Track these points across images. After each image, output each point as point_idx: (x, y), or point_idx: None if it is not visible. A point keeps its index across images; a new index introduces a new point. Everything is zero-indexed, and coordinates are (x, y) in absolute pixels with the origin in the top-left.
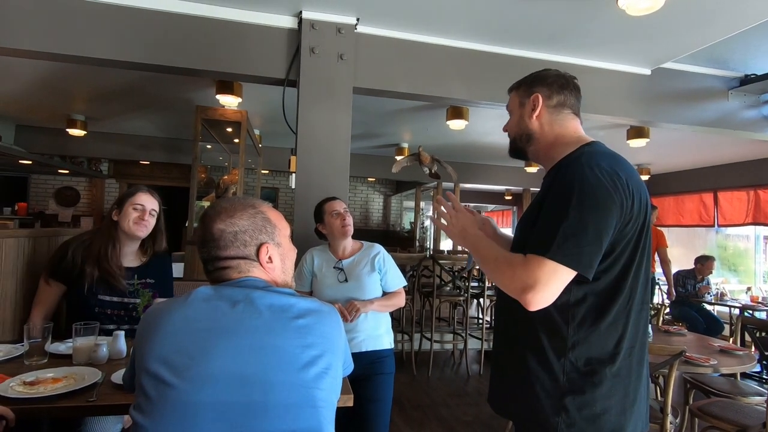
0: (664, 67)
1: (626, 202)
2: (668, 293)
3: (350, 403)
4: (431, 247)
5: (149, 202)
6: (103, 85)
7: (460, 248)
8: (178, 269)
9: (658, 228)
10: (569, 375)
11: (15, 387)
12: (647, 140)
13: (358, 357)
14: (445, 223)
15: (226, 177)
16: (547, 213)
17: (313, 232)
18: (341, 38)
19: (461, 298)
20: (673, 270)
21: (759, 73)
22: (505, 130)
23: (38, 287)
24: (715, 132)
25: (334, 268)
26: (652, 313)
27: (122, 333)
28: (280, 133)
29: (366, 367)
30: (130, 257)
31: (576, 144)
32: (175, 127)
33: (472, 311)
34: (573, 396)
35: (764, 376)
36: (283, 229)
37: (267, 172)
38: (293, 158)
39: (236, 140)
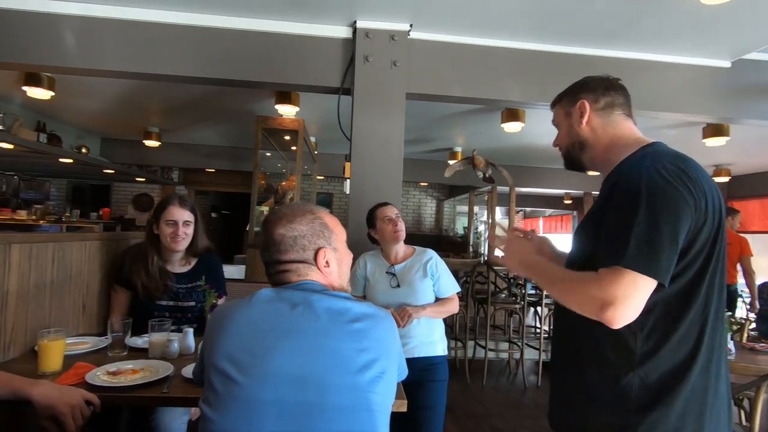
0: (747, 59)
1: (699, 203)
2: (751, 306)
3: (404, 409)
4: (485, 252)
5: (180, 214)
6: (174, 99)
7: None
8: (239, 271)
9: (741, 235)
10: (638, 392)
11: (101, 376)
12: (727, 138)
13: (410, 363)
14: (501, 255)
15: (284, 183)
16: (613, 220)
17: (366, 238)
18: (394, 45)
19: (517, 306)
20: (759, 281)
21: None
22: (555, 144)
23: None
24: None
25: (386, 273)
26: (736, 328)
27: (191, 330)
28: (334, 140)
29: (419, 374)
30: (178, 264)
31: (635, 145)
32: (237, 137)
33: (529, 320)
34: (642, 416)
35: None
36: (340, 234)
37: (322, 177)
38: (348, 164)
39: (293, 148)
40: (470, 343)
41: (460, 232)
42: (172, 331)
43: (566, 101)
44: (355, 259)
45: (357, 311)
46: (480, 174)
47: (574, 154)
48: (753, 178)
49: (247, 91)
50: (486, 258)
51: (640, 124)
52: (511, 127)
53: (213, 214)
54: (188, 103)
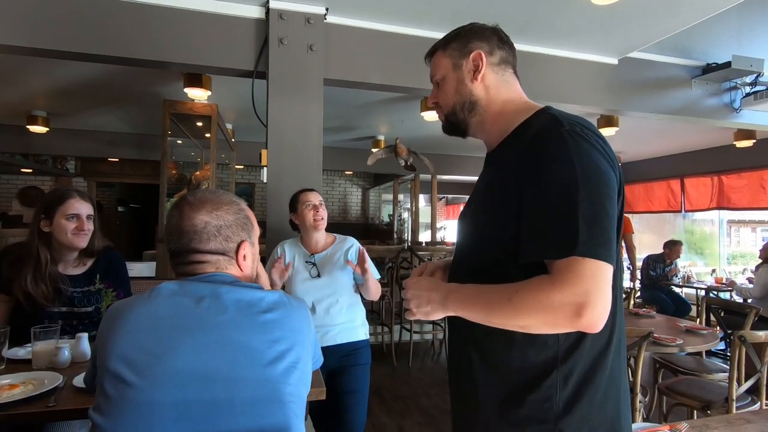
0: (631, 57)
1: (615, 168)
2: (631, 277)
3: (323, 397)
4: (409, 239)
5: (83, 207)
6: (64, 79)
7: (439, 238)
8: (149, 268)
9: (625, 214)
10: (561, 393)
11: None
12: (617, 129)
13: (334, 349)
14: (415, 311)
15: (198, 173)
16: (546, 199)
17: (284, 227)
18: (311, 28)
19: None
20: (642, 255)
21: (719, 62)
22: (433, 103)
23: None
24: (679, 120)
25: (306, 262)
26: (624, 297)
27: (86, 335)
28: (253, 128)
29: (342, 359)
30: (72, 264)
31: (529, 109)
32: (144, 123)
33: None
34: (569, 415)
35: (728, 354)
36: (257, 230)
37: (242, 167)
38: (264, 152)
39: (207, 135)
40: (396, 328)
41: (386, 219)
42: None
43: (454, 49)
44: (270, 248)
45: (269, 301)
46: (402, 162)
47: (462, 116)
48: (638, 165)
49: (153, 72)
50: (409, 245)
51: None
52: (431, 115)
53: (120, 208)
54: (82, 84)
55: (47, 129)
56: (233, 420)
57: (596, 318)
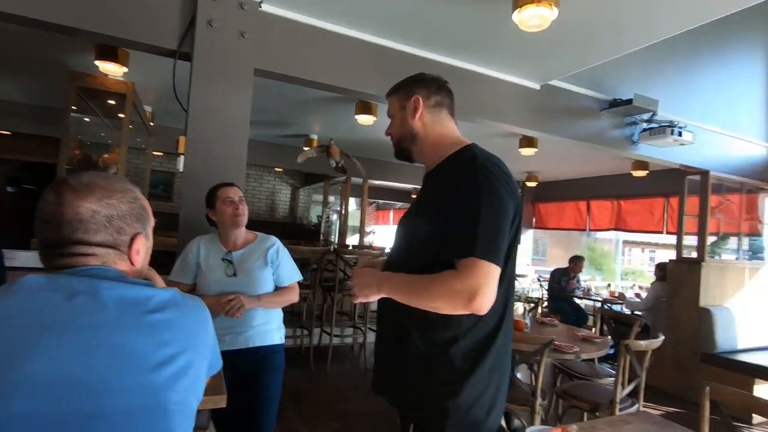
0: (551, 84)
1: (514, 196)
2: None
3: (223, 404)
4: (336, 241)
5: None
6: None
7: (367, 242)
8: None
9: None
10: (459, 360)
11: None
12: (536, 150)
13: (246, 353)
14: (359, 293)
15: (106, 155)
16: (459, 215)
17: (200, 221)
18: (243, 14)
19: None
20: (551, 268)
21: (624, 98)
22: (388, 134)
23: None
24: (588, 146)
25: (222, 260)
26: (532, 306)
27: None
28: (176, 113)
29: (254, 364)
30: None
31: (458, 144)
32: (46, 94)
33: (374, 305)
34: (464, 379)
35: (615, 362)
36: (152, 221)
37: (160, 154)
38: (182, 138)
39: (121, 115)
40: (316, 330)
41: (314, 220)
42: None
43: (402, 94)
44: (186, 243)
45: (160, 299)
46: (333, 163)
47: (405, 145)
48: (553, 185)
49: (59, 39)
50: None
51: (474, 130)
52: (364, 119)
53: (9, 188)
54: None
55: None
56: None
57: (484, 304)
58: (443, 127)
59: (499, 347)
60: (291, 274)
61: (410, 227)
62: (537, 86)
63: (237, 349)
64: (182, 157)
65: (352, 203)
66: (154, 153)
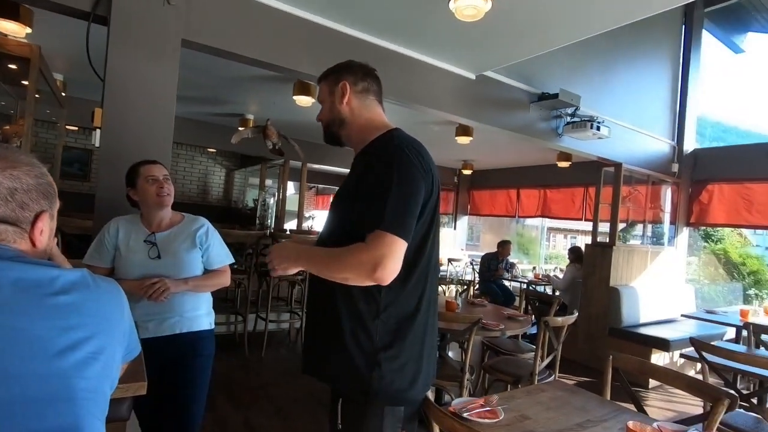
0: (486, 75)
1: (428, 180)
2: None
3: (143, 391)
4: (273, 225)
5: None
6: None
7: (306, 227)
8: None
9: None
10: (381, 333)
11: None
12: (471, 138)
13: (172, 339)
14: (277, 266)
15: (7, 127)
16: (372, 192)
17: (118, 201)
18: None
19: (300, 277)
20: (482, 252)
21: (551, 93)
22: (319, 119)
23: None
24: (518, 137)
25: (144, 242)
26: (464, 288)
27: None
28: (93, 83)
29: (181, 350)
30: None
31: (384, 128)
32: None
33: None
34: (384, 351)
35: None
36: (58, 201)
37: (75, 128)
38: (98, 110)
39: (24, 82)
40: (251, 317)
41: (250, 204)
42: None
43: (331, 80)
44: (101, 224)
45: (66, 280)
46: (270, 145)
47: (334, 129)
48: (487, 173)
49: None
50: (271, 231)
51: (412, 117)
52: (303, 100)
53: None
54: None
55: None
56: (2, 424)
57: (385, 274)
58: (370, 113)
59: (420, 323)
60: (221, 256)
61: (337, 207)
62: (472, 76)
63: (162, 336)
64: (98, 131)
65: (291, 187)
66: (67, 127)
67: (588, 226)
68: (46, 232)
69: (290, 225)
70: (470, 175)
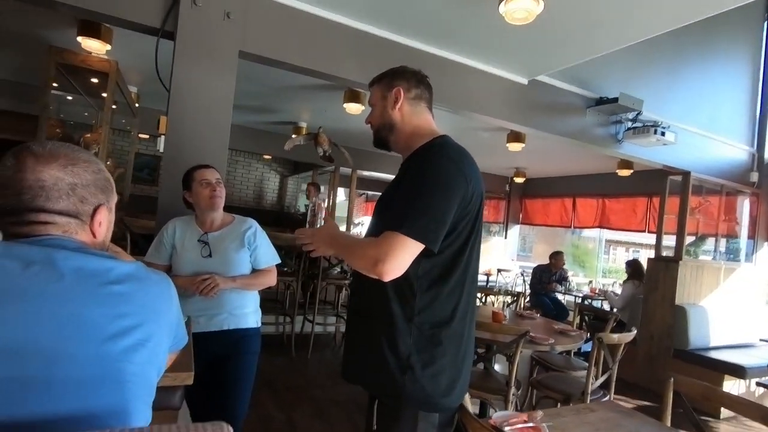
0: (539, 79)
1: (468, 189)
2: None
3: (190, 381)
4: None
5: None
6: None
7: (355, 233)
8: None
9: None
10: (415, 337)
11: None
12: (523, 145)
13: (219, 336)
14: (311, 244)
15: (88, 135)
16: (401, 195)
17: (178, 203)
18: None
19: (347, 282)
20: (534, 264)
21: (609, 97)
22: (368, 122)
23: None
24: (574, 143)
25: (198, 241)
26: (512, 299)
27: None
28: (162, 95)
29: (228, 347)
30: None
31: (430, 136)
32: (27, 70)
33: None
34: (418, 356)
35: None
36: (115, 196)
37: (146, 136)
38: (164, 118)
39: (104, 94)
40: (299, 319)
41: (302, 209)
42: None
43: (384, 84)
44: (162, 224)
45: (121, 272)
46: (321, 152)
47: (383, 134)
48: (540, 182)
49: (38, 12)
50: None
51: (462, 122)
52: (353, 108)
53: None
54: None
55: None
56: (53, 401)
57: (385, 270)
58: (420, 119)
59: (456, 332)
60: (268, 256)
61: (377, 211)
62: (525, 81)
63: (211, 332)
64: (163, 137)
65: (342, 194)
66: (139, 135)
67: (652, 239)
68: (104, 224)
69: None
70: (523, 183)
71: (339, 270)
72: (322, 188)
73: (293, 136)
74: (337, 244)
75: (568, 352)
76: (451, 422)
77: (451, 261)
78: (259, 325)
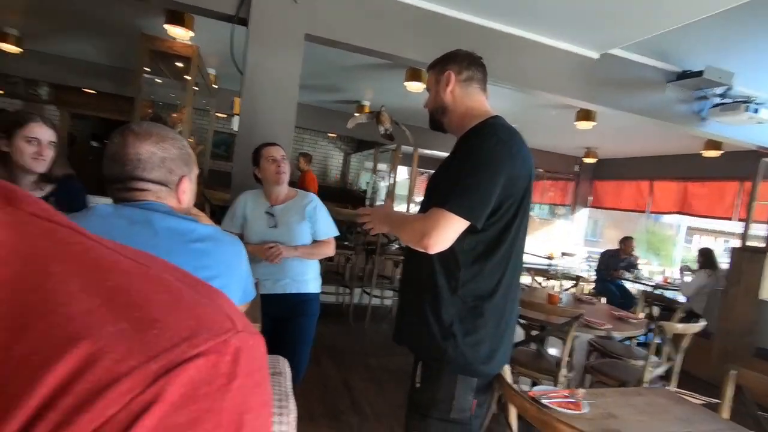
0: (611, 53)
1: (515, 170)
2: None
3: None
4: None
5: (45, 133)
6: None
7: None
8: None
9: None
10: (458, 307)
11: None
12: (594, 123)
13: (282, 298)
14: (370, 222)
15: (174, 114)
16: (450, 174)
17: (251, 178)
18: None
19: (402, 257)
20: (603, 249)
21: (693, 70)
22: (425, 106)
23: None
24: (651, 121)
25: (265, 213)
26: (573, 284)
27: None
28: (236, 76)
29: (290, 309)
30: (28, 188)
31: (483, 116)
32: (122, 56)
33: None
34: (460, 325)
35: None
36: (196, 169)
37: (223, 115)
38: (237, 100)
39: (187, 77)
40: (357, 291)
41: (364, 187)
42: None
43: (437, 69)
44: (236, 197)
45: (201, 233)
46: (382, 130)
47: (437, 117)
48: (612, 162)
49: (132, 3)
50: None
51: (524, 101)
52: (414, 86)
53: (93, 143)
54: (58, 3)
55: (20, 50)
56: None
57: (430, 244)
58: (472, 101)
59: (498, 305)
60: (327, 228)
61: (429, 187)
62: (596, 55)
63: (275, 294)
64: (237, 117)
65: (403, 172)
66: (216, 114)
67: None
68: (187, 192)
69: (399, 208)
70: (593, 164)
71: (396, 246)
72: (384, 166)
73: (356, 114)
74: (390, 221)
75: (629, 340)
76: (488, 388)
77: (497, 238)
78: (319, 291)
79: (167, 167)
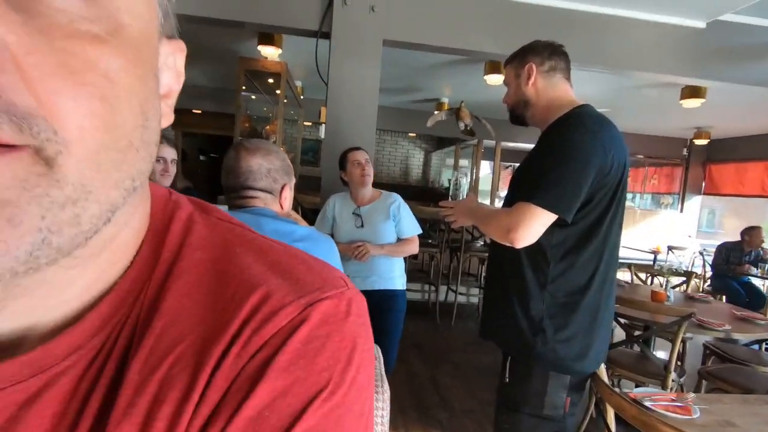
0: (722, 20)
1: (606, 161)
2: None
3: None
4: None
5: (170, 152)
6: None
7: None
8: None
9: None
10: (548, 303)
11: None
12: (703, 101)
13: (371, 294)
14: (452, 216)
15: (268, 127)
16: (536, 167)
17: (339, 181)
18: None
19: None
20: (720, 241)
21: None
22: (504, 102)
23: None
24: None
25: (352, 214)
26: (683, 279)
27: None
28: (321, 86)
29: (378, 304)
30: None
31: (568, 106)
32: (221, 78)
33: None
34: (550, 320)
35: None
36: (294, 179)
37: (309, 124)
38: (323, 109)
39: (278, 91)
40: (443, 288)
41: (446, 184)
42: None
43: (516, 63)
44: (325, 200)
45: (301, 233)
46: (462, 126)
47: (519, 111)
48: (731, 142)
49: (228, 31)
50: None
51: (619, 83)
52: (493, 79)
53: (201, 157)
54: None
55: None
56: None
57: (516, 238)
58: (555, 91)
59: (592, 300)
60: (411, 227)
61: (514, 181)
62: (702, 24)
63: (364, 290)
64: (324, 125)
65: (486, 167)
66: (304, 123)
67: None
68: (288, 199)
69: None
70: (706, 145)
71: (482, 243)
72: (466, 162)
73: (435, 112)
74: (474, 215)
75: (757, 344)
76: (582, 386)
77: (588, 231)
78: (404, 287)
79: (272, 177)
